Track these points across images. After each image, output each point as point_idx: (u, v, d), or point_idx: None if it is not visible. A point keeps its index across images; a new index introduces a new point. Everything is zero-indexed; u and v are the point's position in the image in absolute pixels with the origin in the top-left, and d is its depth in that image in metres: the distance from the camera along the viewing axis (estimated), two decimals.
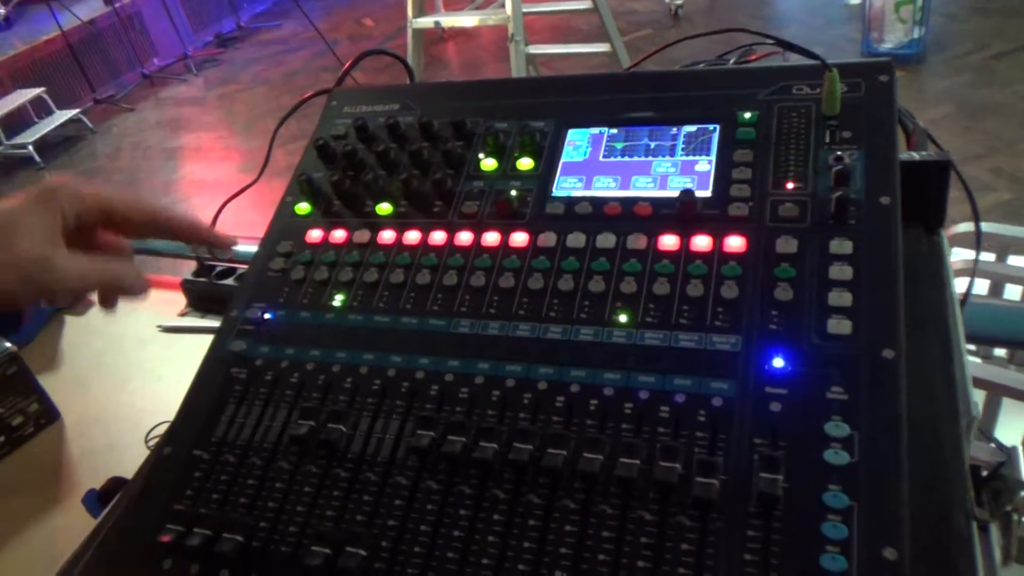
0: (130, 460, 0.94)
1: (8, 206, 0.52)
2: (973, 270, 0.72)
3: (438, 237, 0.64)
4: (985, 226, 1.45)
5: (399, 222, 0.67)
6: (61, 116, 5.42)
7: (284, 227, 0.70)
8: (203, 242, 0.60)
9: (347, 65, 0.84)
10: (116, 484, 0.92)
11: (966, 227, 1.44)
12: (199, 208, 4.16)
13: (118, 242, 0.58)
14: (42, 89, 5.38)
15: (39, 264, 0.50)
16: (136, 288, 0.55)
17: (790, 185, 0.57)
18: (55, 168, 5.13)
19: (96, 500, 0.91)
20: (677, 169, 0.62)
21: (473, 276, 0.60)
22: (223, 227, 1.00)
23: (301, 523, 0.52)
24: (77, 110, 5.56)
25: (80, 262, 0.52)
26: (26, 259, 0.50)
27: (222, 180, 4.37)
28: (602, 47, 3.45)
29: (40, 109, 5.41)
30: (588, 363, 0.53)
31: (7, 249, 0.49)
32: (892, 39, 3.74)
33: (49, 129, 5.27)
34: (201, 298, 1.19)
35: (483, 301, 0.59)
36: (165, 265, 1.39)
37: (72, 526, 0.94)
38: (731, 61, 0.77)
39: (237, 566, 0.52)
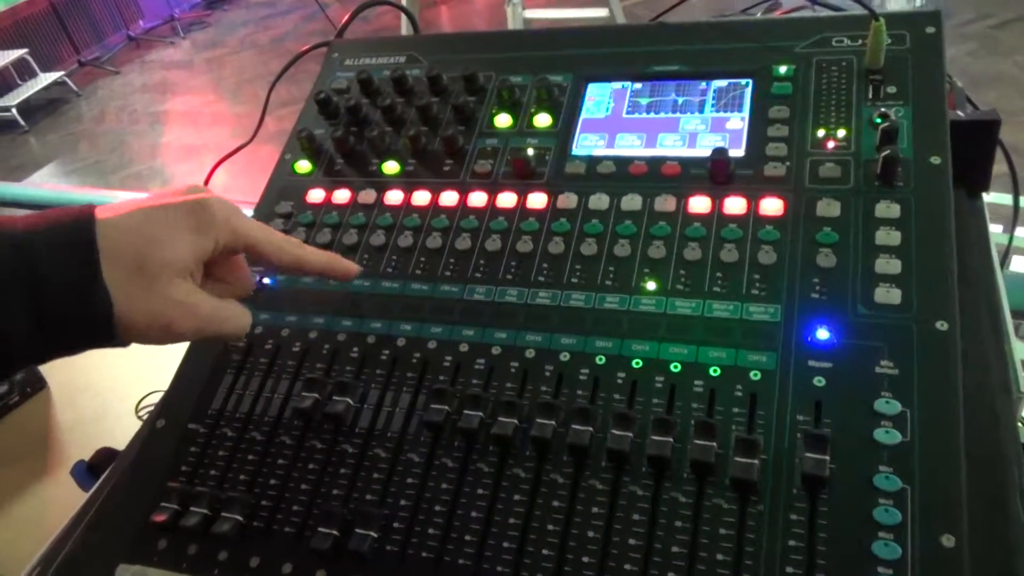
0: (120, 430, 0.91)
1: (160, 204, 0.44)
2: (1010, 240, 0.68)
3: (449, 198, 0.60)
4: (994, 197, 1.41)
5: (407, 182, 0.62)
6: (45, 79, 5.29)
7: (283, 187, 0.66)
8: (339, 279, 0.54)
9: (347, 17, 0.78)
10: (106, 455, 0.88)
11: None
12: (188, 175, 4.08)
13: (245, 275, 0.51)
14: (25, 51, 5.25)
15: (180, 308, 0.43)
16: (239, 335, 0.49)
17: (831, 144, 0.53)
18: (39, 132, 5.01)
19: (85, 471, 0.87)
20: (707, 126, 0.58)
21: (488, 240, 0.56)
22: (216, 190, 0.95)
23: (306, 502, 0.49)
24: (61, 72, 5.44)
25: (208, 308, 0.45)
26: (168, 301, 0.43)
27: (210, 145, 4.29)
28: (600, 11, 3.37)
29: (23, 71, 5.28)
30: (615, 333, 0.49)
31: (152, 279, 0.42)
32: (894, 5, 3.68)
33: (33, 92, 5.15)
34: None
35: (499, 266, 0.55)
36: None
37: (61, 497, 0.91)
38: (757, 15, 0.72)
39: (237, 547, 0.48)
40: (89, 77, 5.72)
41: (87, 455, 0.87)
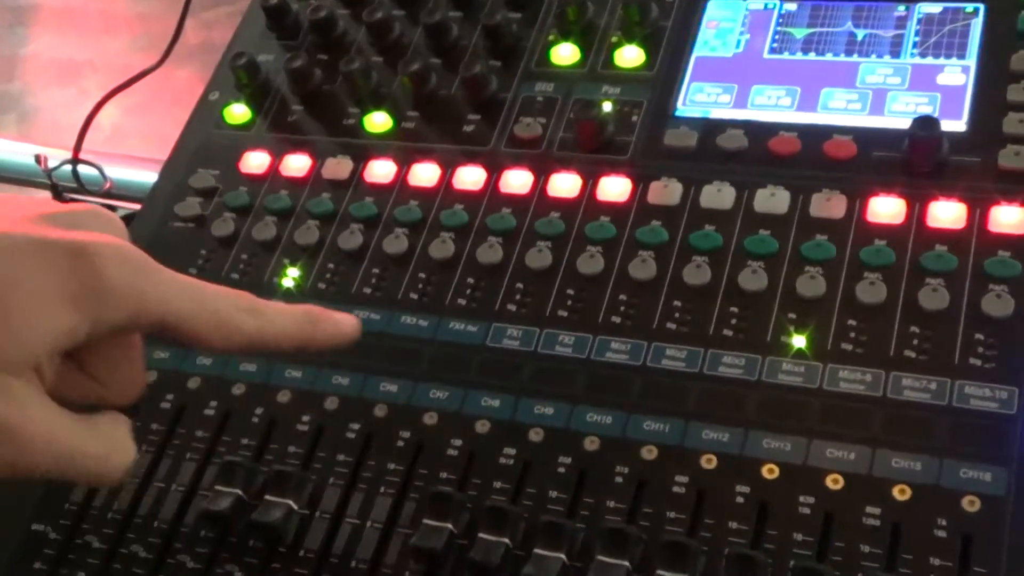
0: None
1: (23, 233, 0.39)
2: None
3: (472, 176, 0.61)
4: None
5: (404, 147, 0.64)
6: None
7: (204, 144, 0.68)
8: (330, 347, 0.48)
9: None
10: None
11: None
12: (67, 105, 4.16)
13: (134, 371, 0.45)
14: None
15: (5, 437, 0.37)
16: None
17: None
18: None
19: None
20: (904, 80, 0.59)
21: (531, 250, 0.57)
22: (102, 134, 0.97)
23: None
24: None
25: (57, 430, 0.40)
26: None
27: (99, 62, 4.38)
28: None
29: None
30: (734, 420, 0.50)
31: None
32: None
33: None
34: None
35: (547, 296, 0.56)
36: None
37: None
38: None
39: None
40: None
41: None
